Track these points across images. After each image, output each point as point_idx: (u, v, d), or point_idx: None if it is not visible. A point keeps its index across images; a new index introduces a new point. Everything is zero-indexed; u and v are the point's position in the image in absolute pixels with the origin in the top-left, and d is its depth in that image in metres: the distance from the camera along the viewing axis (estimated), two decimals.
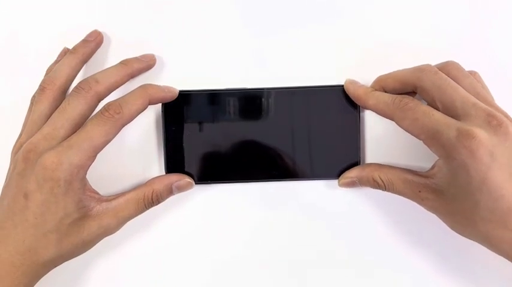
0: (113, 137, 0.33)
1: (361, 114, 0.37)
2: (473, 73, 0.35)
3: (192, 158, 0.37)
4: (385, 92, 0.35)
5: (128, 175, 0.38)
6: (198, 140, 0.37)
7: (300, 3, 0.38)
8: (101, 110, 0.33)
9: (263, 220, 0.39)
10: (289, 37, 0.38)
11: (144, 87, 0.34)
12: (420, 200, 0.33)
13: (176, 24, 0.38)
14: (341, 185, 0.37)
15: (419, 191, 0.33)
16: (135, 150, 0.38)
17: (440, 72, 0.33)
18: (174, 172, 0.37)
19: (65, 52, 0.38)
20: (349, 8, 0.38)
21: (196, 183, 0.37)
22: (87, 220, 0.33)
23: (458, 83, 0.32)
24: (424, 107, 0.32)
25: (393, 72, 0.35)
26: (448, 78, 0.32)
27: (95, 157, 0.32)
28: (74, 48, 0.37)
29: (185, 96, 0.37)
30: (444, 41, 0.38)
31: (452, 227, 0.33)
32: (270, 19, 0.38)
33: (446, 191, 0.32)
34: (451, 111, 0.31)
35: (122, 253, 0.39)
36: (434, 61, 0.35)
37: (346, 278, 0.38)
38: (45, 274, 0.34)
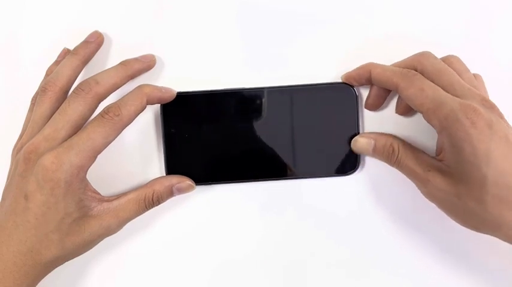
0: (113, 139, 0.33)
1: (360, 112, 0.37)
2: (477, 76, 0.35)
3: (191, 159, 0.37)
4: (371, 78, 0.35)
5: (128, 176, 0.38)
6: (197, 140, 0.37)
7: (300, 2, 0.38)
8: (100, 112, 0.33)
9: (263, 219, 0.39)
10: (288, 36, 0.38)
11: (141, 88, 0.35)
12: (427, 181, 0.33)
13: (175, 25, 0.38)
14: (355, 140, 0.36)
15: (429, 170, 0.33)
16: (135, 151, 0.39)
17: (439, 58, 0.34)
18: (174, 173, 0.37)
19: (65, 53, 0.38)
20: (349, 6, 0.38)
21: (196, 184, 0.37)
22: (87, 219, 0.33)
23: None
24: (430, 81, 0.32)
25: (385, 65, 0.36)
26: (446, 65, 0.33)
27: (95, 158, 0.33)
28: (75, 49, 0.37)
29: (184, 98, 0.37)
30: (446, 40, 0.38)
31: (461, 218, 0.32)
32: (269, 19, 0.38)
33: (454, 171, 0.31)
34: (449, 92, 0.32)
35: (122, 252, 0.39)
36: None
37: (347, 278, 0.38)
38: (47, 274, 0.34)
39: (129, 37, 0.38)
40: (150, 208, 0.36)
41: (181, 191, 0.37)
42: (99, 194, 0.35)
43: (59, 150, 0.31)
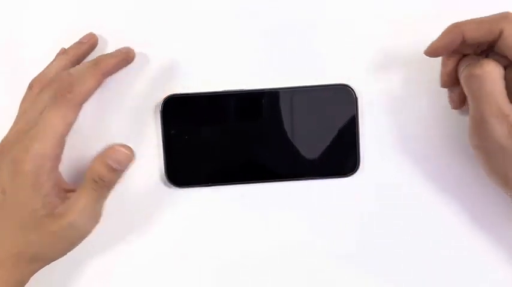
0: (74, 119, 0.32)
1: (359, 114, 0.37)
2: None
3: (191, 160, 0.37)
4: (465, 39, 0.31)
5: (128, 177, 0.38)
6: (197, 142, 0.37)
7: (300, 3, 0.38)
8: (51, 93, 0.33)
9: (263, 220, 0.39)
10: (288, 37, 0.38)
11: (94, 63, 0.34)
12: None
13: (175, 26, 0.38)
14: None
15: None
16: (135, 151, 0.38)
17: None
18: (174, 174, 0.37)
19: (63, 53, 0.38)
20: (350, 7, 0.38)
21: (197, 186, 0.38)
22: (54, 217, 0.32)
23: None
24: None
25: (475, 19, 0.31)
26: None
27: (61, 144, 0.32)
28: (67, 49, 0.37)
29: (184, 99, 0.37)
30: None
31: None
32: (269, 20, 0.38)
33: None
34: None
35: (116, 253, 0.38)
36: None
37: (348, 279, 0.38)
38: (35, 270, 0.33)
39: (129, 37, 0.38)
40: (104, 193, 0.33)
41: (120, 163, 0.33)
42: (70, 190, 0.34)
43: (25, 142, 0.31)
